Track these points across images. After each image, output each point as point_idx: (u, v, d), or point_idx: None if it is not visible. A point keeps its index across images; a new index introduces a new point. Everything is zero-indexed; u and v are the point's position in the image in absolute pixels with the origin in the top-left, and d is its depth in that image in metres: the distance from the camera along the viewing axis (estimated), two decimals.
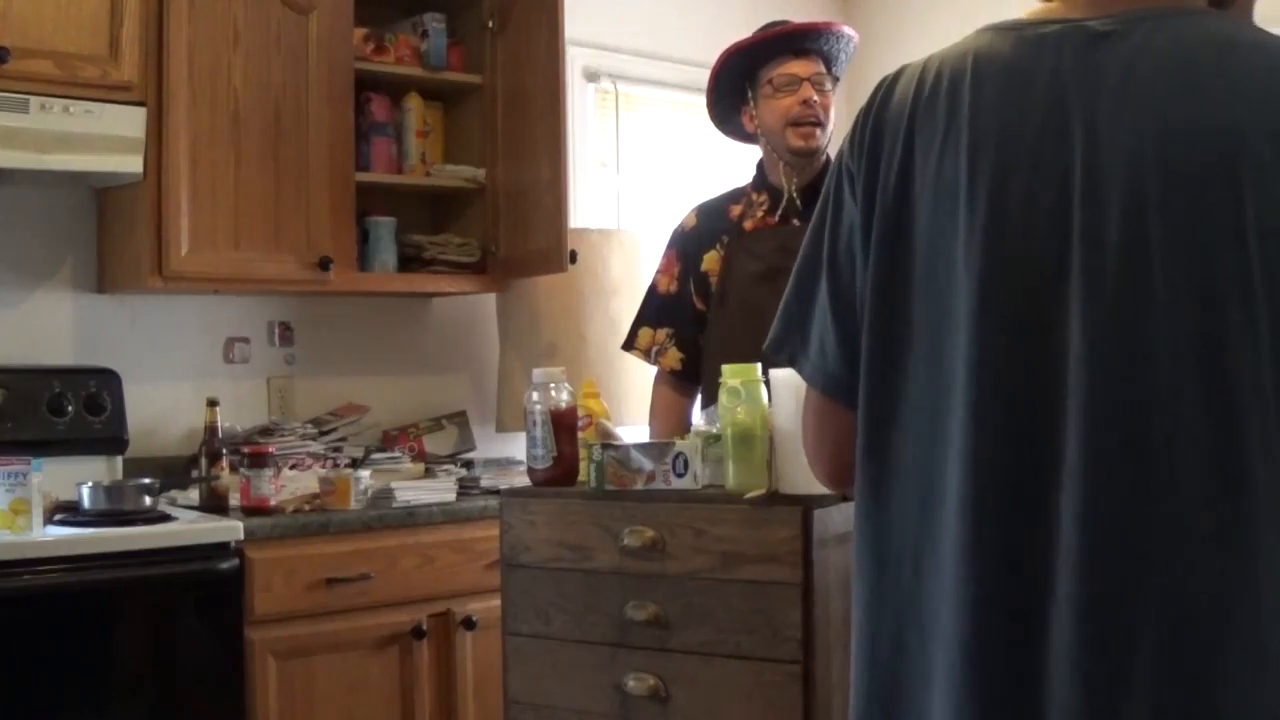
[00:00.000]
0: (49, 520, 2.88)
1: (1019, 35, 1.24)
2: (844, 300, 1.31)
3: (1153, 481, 1.09)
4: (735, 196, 2.99)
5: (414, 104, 3.77)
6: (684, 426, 2.89)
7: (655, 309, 3.03)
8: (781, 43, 2.87)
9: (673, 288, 3.00)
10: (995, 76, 1.22)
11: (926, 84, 1.26)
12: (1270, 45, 1.15)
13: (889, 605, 1.25)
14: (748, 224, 2.90)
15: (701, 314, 2.95)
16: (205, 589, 2.90)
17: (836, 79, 2.91)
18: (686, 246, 3.00)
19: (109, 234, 3.40)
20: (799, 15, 4.87)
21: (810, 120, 2.80)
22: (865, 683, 1.27)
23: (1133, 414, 1.10)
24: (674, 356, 2.98)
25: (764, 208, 2.90)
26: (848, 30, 2.91)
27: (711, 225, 2.97)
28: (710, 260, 2.93)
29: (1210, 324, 1.09)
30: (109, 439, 3.28)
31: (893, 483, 1.25)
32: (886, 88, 1.31)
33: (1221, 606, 1.08)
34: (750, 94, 2.90)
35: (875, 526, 1.27)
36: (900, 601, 1.23)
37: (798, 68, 2.84)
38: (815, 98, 2.81)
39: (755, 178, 2.96)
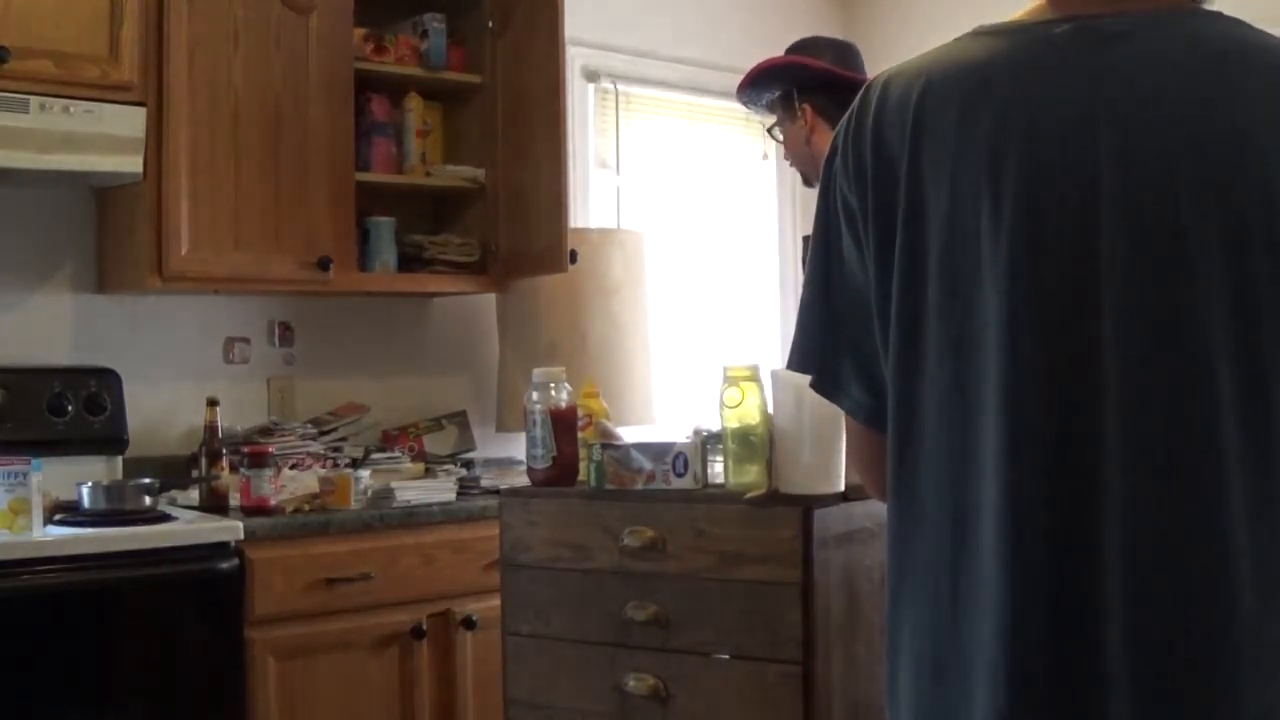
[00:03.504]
0: (49, 520, 2.88)
1: (1024, 36, 1.19)
2: (855, 330, 1.27)
3: (1198, 502, 1.08)
4: None
5: (414, 104, 3.76)
6: None
7: None
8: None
9: None
10: (1009, 82, 1.17)
11: (931, 104, 1.19)
12: None
13: (924, 622, 1.21)
14: None
15: None
16: (205, 589, 2.89)
17: (787, 109, 2.87)
18: None
19: (109, 234, 3.39)
20: (799, 16, 4.88)
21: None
22: (910, 705, 1.23)
23: (1172, 428, 1.09)
24: None
25: None
26: (749, 76, 2.89)
27: None
28: None
29: (1248, 334, 1.08)
30: (109, 439, 3.28)
31: (920, 507, 1.21)
32: (878, 104, 1.24)
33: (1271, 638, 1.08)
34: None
35: (904, 543, 1.23)
36: (936, 618, 1.19)
37: None
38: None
39: None
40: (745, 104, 2.94)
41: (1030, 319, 1.13)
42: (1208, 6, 1.19)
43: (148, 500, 3.04)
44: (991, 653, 1.14)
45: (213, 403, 3.28)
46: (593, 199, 4.39)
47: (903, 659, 1.24)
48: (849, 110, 1.27)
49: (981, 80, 1.18)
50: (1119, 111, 1.12)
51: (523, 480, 2.50)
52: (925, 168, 1.19)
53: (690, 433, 2.35)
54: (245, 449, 3.20)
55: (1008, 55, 1.19)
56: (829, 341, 1.31)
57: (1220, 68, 1.12)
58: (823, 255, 1.30)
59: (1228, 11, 1.19)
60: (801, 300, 1.35)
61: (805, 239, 2.86)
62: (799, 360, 1.36)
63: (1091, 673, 1.10)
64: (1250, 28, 1.17)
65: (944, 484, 1.19)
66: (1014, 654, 1.12)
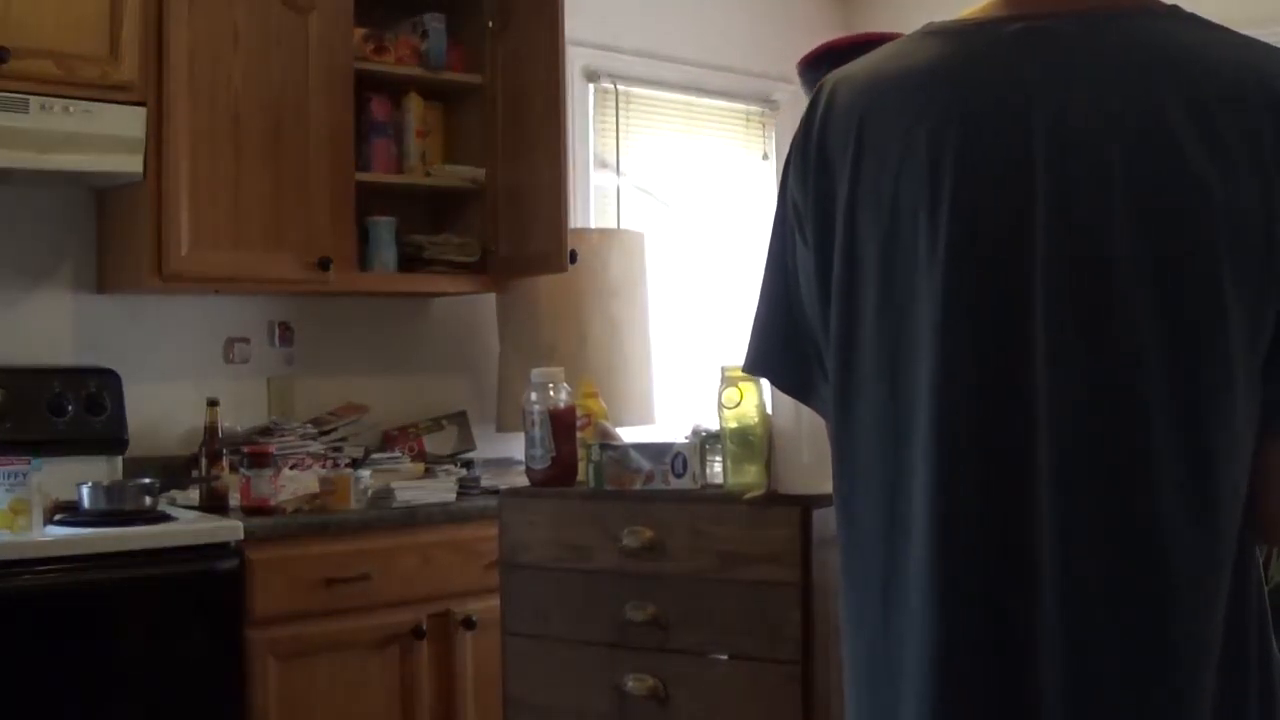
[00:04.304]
0: (49, 520, 2.88)
1: (972, 38, 1.16)
2: (819, 343, 1.25)
3: (1131, 506, 1.06)
4: None
5: (414, 104, 3.76)
6: None
7: None
8: (835, 57, 2.87)
9: None
10: (950, 89, 1.14)
11: (874, 104, 1.18)
12: (1242, 50, 1.10)
13: (863, 636, 1.20)
14: None
15: None
16: (205, 589, 2.90)
17: None
18: None
19: (109, 234, 3.40)
20: (800, 16, 4.89)
21: None
22: (852, 708, 1.23)
23: (1104, 446, 1.07)
24: None
25: None
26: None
27: None
28: None
29: (1180, 351, 1.06)
30: (109, 439, 3.28)
31: (856, 523, 1.20)
32: (821, 109, 1.22)
33: (1205, 640, 1.06)
34: None
35: (846, 555, 1.23)
36: (873, 633, 1.18)
37: None
38: None
39: None
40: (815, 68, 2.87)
41: (963, 336, 1.11)
42: (1169, 2, 1.15)
43: (148, 500, 3.04)
44: (918, 683, 1.12)
45: (213, 403, 3.28)
46: (593, 199, 4.39)
47: (848, 681, 1.23)
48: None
49: (923, 87, 1.16)
50: (1058, 125, 1.09)
51: (522, 480, 2.50)
52: (865, 175, 1.17)
53: (689, 433, 2.35)
54: (245, 449, 3.20)
55: (951, 58, 1.16)
56: (792, 343, 1.29)
57: (1171, 79, 1.08)
58: (779, 256, 1.29)
59: (1228, 10, 1.15)
60: (759, 299, 1.32)
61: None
62: (760, 364, 1.34)
63: (1024, 690, 1.08)
64: (1213, 29, 1.12)
65: (877, 500, 1.17)
66: (942, 681, 1.11)
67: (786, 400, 2.05)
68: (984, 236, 1.11)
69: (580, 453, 2.35)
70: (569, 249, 3.58)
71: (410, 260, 3.73)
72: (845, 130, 1.19)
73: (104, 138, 3.06)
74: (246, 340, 3.70)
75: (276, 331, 3.75)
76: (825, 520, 2.06)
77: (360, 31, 3.59)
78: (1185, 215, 1.06)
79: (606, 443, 2.32)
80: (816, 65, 2.89)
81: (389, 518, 3.23)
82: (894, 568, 1.15)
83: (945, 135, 1.13)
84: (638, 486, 2.22)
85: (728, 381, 2.14)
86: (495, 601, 2.48)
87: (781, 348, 1.31)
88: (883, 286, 1.16)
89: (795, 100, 4.81)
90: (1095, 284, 1.07)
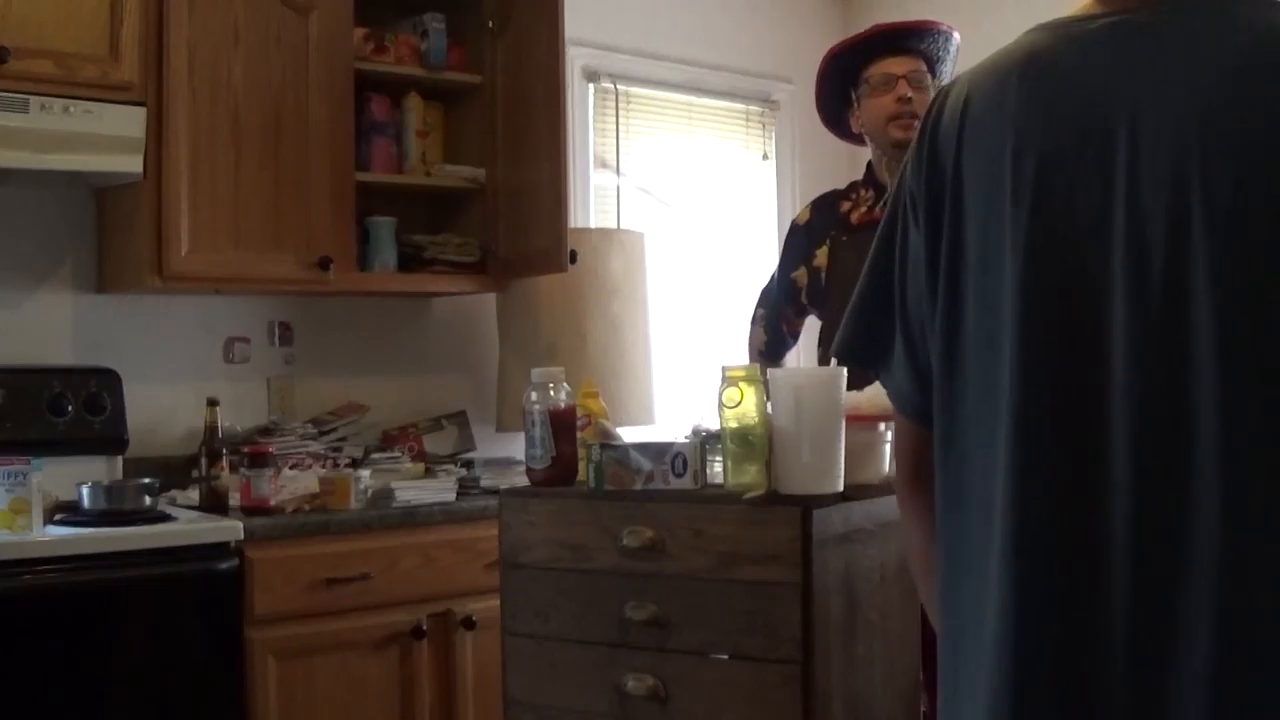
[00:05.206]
0: (49, 520, 2.88)
1: (1065, 33, 1.20)
2: (913, 326, 1.29)
3: (1202, 494, 1.06)
4: (848, 192, 3.08)
5: (414, 104, 3.77)
6: None
7: (763, 292, 3.23)
8: (878, 42, 2.93)
9: (777, 274, 3.17)
10: (1040, 80, 1.18)
11: (976, 94, 1.23)
12: None
13: (949, 642, 1.24)
14: (854, 217, 2.99)
15: (802, 305, 3.10)
16: (205, 589, 2.90)
17: (937, 78, 2.94)
18: (798, 238, 3.12)
19: (109, 234, 3.40)
20: (799, 16, 4.88)
21: (907, 114, 2.85)
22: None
23: (1178, 425, 1.07)
24: (759, 337, 3.21)
25: (869, 202, 2.98)
26: (944, 28, 2.93)
27: (823, 219, 3.08)
28: (822, 255, 3.03)
29: (1258, 329, 1.06)
30: (109, 439, 3.28)
31: (965, 513, 1.22)
32: (939, 103, 1.28)
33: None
34: (854, 95, 2.94)
35: (942, 548, 1.25)
36: (963, 616, 1.21)
37: (894, 66, 2.90)
38: (911, 94, 2.86)
39: (865, 175, 3.04)
40: (921, 45, 2.90)
41: (1039, 330, 1.14)
42: None
43: (148, 500, 3.04)
44: (992, 675, 1.14)
45: (213, 403, 3.28)
46: (593, 199, 4.39)
47: (941, 635, 1.26)
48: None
49: (1015, 82, 1.20)
50: (1137, 108, 1.11)
51: (522, 480, 2.50)
52: (967, 163, 1.22)
53: (689, 433, 2.35)
54: (245, 449, 3.20)
55: (1043, 54, 1.20)
56: (882, 332, 1.33)
57: (1250, 58, 1.09)
58: (886, 251, 1.33)
59: None
60: (856, 293, 1.37)
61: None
62: (852, 353, 1.39)
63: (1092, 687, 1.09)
64: None
65: (978, 489, 1.19)
66: (1014, 675, 1.12)
67: (787, 400, 2.05)
68: (1061, 238, 1.14)
69: (580, 453, 2.35)
70: (569, 249, 3.58)
71: (410, 260, 3.73)
72: (953, 122, 1.24)
73: (104, 138, 3.06)
74: (246, 340, 3.70)
75: (276, 331, 3.75)
76: (825, 520, 2.06)
77: (360, 31, 3.59)
78: (1266, 210, 1.07)
79: (606, 443, 2.31)
80: (828, 81, 2.92)
81: (389, 518, 3.23)
82: (985, 554, 1.18)
83: (1030, 129, 1.17)
84: (638, 486, 2.22)
85: (728, 381, 2.14)
86: (495, 601, 2.48)
87: (866, 333, 1.36)
88: (977, 279, 1.20)
89: (795, 100, 4.81)
90: (1171, 286, 1.08)
